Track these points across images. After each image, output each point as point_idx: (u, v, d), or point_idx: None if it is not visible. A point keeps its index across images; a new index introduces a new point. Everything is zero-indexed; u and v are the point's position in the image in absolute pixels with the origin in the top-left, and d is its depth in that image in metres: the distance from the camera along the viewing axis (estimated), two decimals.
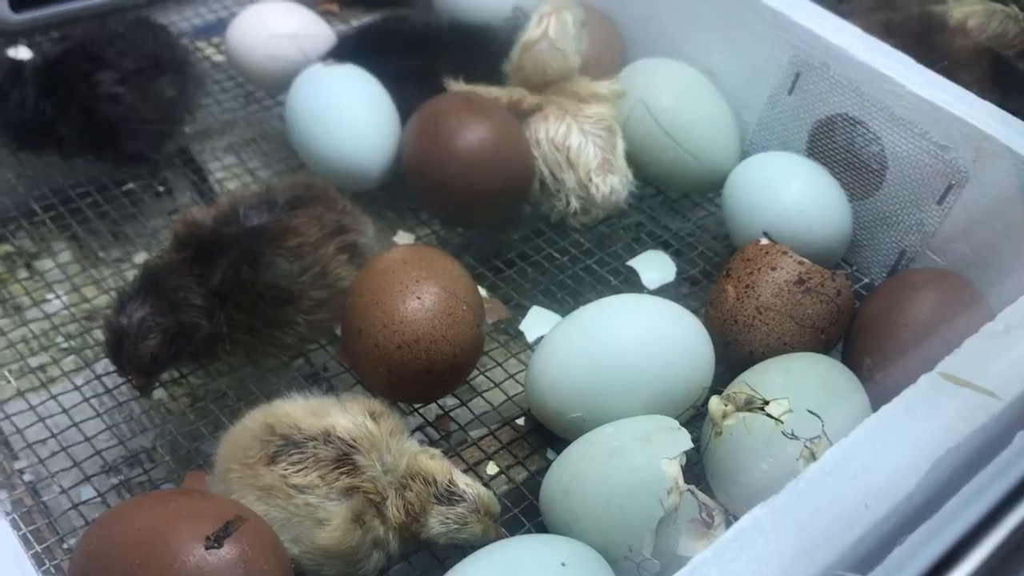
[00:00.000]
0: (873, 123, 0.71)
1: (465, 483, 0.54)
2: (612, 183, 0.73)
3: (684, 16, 0.81)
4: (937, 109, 0.67)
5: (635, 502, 0.51)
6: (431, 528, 0.53)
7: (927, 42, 0.76)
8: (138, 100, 0.75)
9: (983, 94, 0.68)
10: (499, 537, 0.54)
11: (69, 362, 0.68)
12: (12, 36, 0.86)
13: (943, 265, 0.69)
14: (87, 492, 0.60)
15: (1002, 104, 0.68)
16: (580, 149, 0.73)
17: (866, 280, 0.74)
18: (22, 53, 0.84)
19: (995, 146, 0.65)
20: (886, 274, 0.73)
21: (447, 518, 0.53)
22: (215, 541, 0.44)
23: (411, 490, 0.53)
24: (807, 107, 0.75)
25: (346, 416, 0.54)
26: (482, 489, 0.54)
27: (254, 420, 0.54)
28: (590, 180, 0.73)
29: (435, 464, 0.54)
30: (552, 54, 0.74)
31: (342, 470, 0.52)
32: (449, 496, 0.53)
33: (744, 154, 0.78)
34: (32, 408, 0.63)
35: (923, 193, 0.69)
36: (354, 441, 0.53)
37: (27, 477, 0.62)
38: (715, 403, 0.57)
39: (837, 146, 0.74)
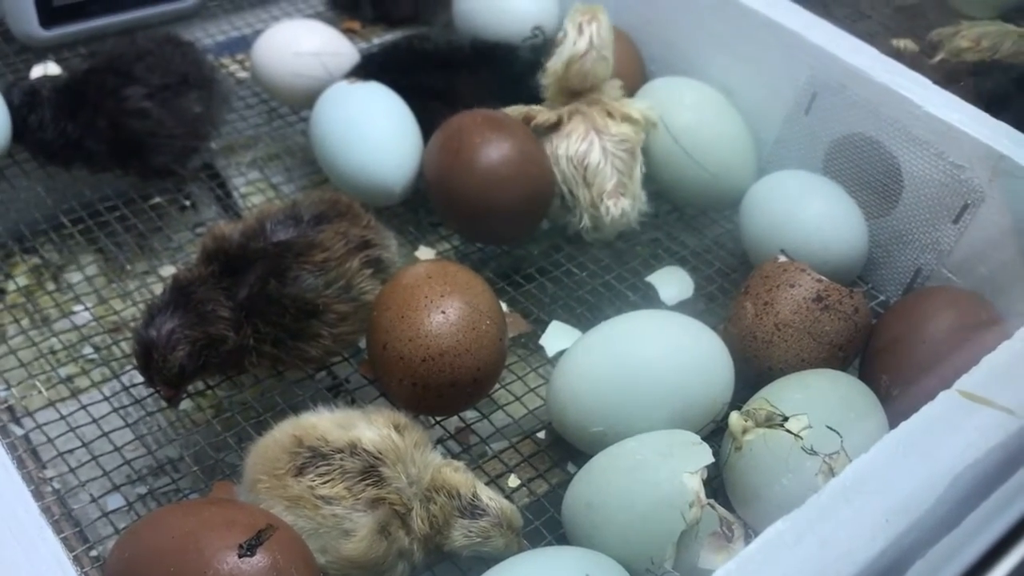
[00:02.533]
0: (889, 143, 0.72)
1: (488, 497, 0.54)
2: (623, 206, 0.73)
3: (703, 36, 0.82)
4: (953, 129, 0.68)
5: (657, 515, 0.52)
6: (454, 540, 0.54)
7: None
8: (165, 115, 0.76)
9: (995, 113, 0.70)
10: (521, 550, 0.55)
11: (97, 373, 0.69)
12: (41, 52, 0.87)
13: (959, 284, 0.70)
14: (115, 501, 0.61)
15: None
16: (598, 169, 0.73)
17: (882, 298, 0.75)
18: (51, 69, 0.86)
19: (1011, 166, 0.65)
20: (902, 292, 0.74)
21: (470, 531, 0.54)
22: (248, 549, 0.45)
23: (435, 503, 0.54)
24: (824, 126, 0.76)
25: (372, 428, 0.55)
26: (505, 503, 0.55)
27: (282, 432, 0.55)
28: (602, 201, 0.73)
29: (459, 477, 0.55)
30: (598, 62, 0.74)
31: (368, 482, 0.53)
32: (473, 510, 0.54)
33: (761, 172, 0.79)
34: (63, 418, 0.64)
35: (939, 212, 0.70)
36: (380, 453, 0.54)
37: (55, 486, 0.63)
38: (735, 419, 0.58)
39: (853, 165, 0.75)
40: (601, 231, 0.75)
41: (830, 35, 0.76)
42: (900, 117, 0.71)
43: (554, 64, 0.75)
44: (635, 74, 0.85)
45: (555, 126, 0.75)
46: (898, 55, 0.76)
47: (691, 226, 0.82)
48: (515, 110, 0.76)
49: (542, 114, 0.75)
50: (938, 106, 0.69)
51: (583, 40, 0.73)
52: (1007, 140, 0.67)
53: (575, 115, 0.75)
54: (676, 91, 0.80)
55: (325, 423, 0.55)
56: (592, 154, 0.73)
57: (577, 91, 0.75)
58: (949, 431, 0.49)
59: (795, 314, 0.64)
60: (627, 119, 0.75)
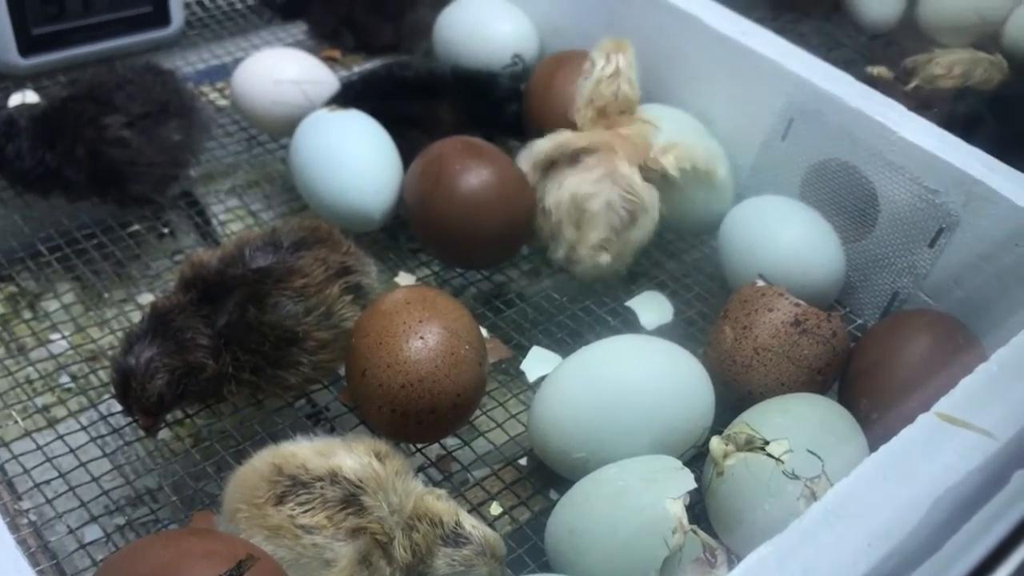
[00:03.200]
0: (865, 168, 0.73)
1: (471, 525, 0.54)
2: (600, 260, 0.72)
3: (680, 63, 0.83)
4: (928, 154, 0.69)
5: (640, 541, 0.52)
6: (437, 569, 0.53)
7: None
8: (145, 144, 0.76)
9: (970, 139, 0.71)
10: None
11: (74, 402, 0.68)
12: (20, 80, 0.87)
13: (936, 307, 0.71)
14: (93, 533, 0.60)
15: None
16: (592, 219, 0.72)
17: (860, 321, 0.75)
18: (29, 97, 0.86)
19: (985, 191, 0.66)
20: (879, 316, 0.74)
21: (453, 560, 0.53)
22: None
23: (418, 531, 0.53)
24: (801, 152, 0.77)
25: (352, 456, 0.54)
26: (488, 531, 0.55)
27: (262, 460, 0.55)
28: (583, 249, 0.72)
29: (442, 505, 0.54)
30: (626, 85, 0.75)
31: (349, 510, 0.52)
32: (456, 538, 0.53)
33: (739, 197, 0.79)
34: (39, 448, 0.63)
35: (915, 236, 0.71)
36: (361, 481, 0.53)
37: (31, 518, 0.62)
38: (716, 443, 0.58)
39: (830, 190, 0.76)
40: (572, 270, 0.75)
41: (806, 62, 0.76)
42: (875, 142, 0.71)
43: (583, 91, 0.76)
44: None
45: (584, 151, 0.74)
46: (873, 82, 0.77)
47: (670, 251, 0.83)
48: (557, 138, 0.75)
49: (577, 140, 0.74)
50: (913, 132, 0.70)
51: (610, 66, 0.75)
52: (980, 165, 0.67)
53: (604, 149, 0.73)
54: (655, 118, 0.80)
55: (305, 451, 0.55)
56: (595, 201, 0.72)
57: (609, 113, 0.75)
58: (929, 454, 0.49)
59: (774, 338, 0.64)
60: (651, 169, 0.74)
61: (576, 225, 0.72)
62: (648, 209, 0.73)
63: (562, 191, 0.73)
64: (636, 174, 0.73)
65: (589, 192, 0.72)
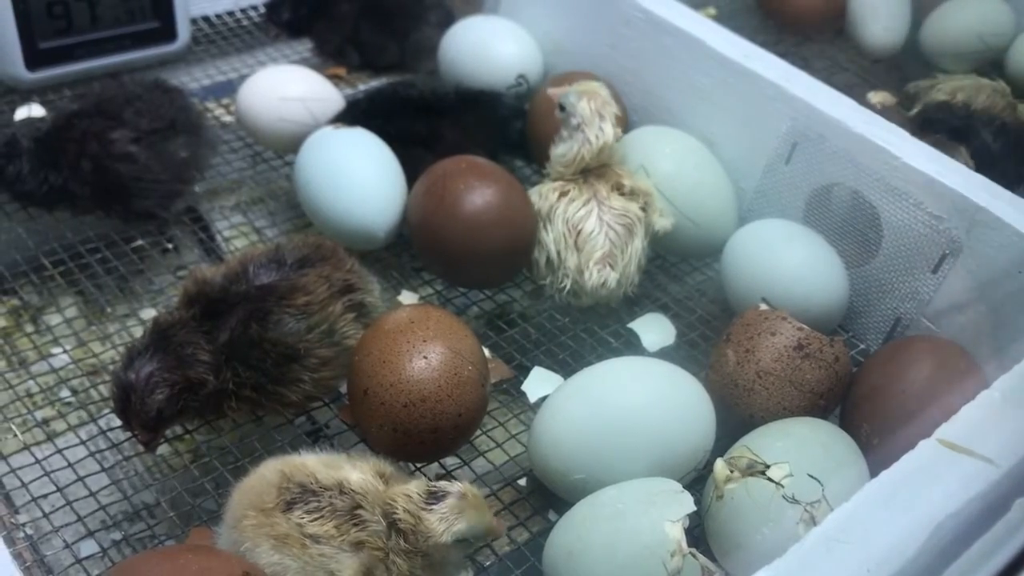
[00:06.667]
0: (869, 193, 0.73)
1: (442, 483, 0.53)
2: (608, 277, 0.72)
3: (685, 87, 0.83)
4: (931, 180, 0.69)
5: (639, 564, 0.52)
6: (436, 531, 0.51)
7: None
8: (151, 159, 0.76)
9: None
10: (499, 528, 0.54)
11: (74, 416, 0.68)
12: (26, 95, 0.88)
13: (938, 333, 0.71)
14: (89, 547, 0.60)
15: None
16: (590, 236, 0.72)
17: (862, 346, 0.75)
18: (35, 111, 0.86)
19: (988, 218, 0.66)
20: (882, 341, 0.74)
21: (443, 513, 0.52)
22: None
23: (397, 513, 0.52)
24: (804, 176, 0.77)
25: (356, 471, 0.54)
26: (458, 482, 0.54)
27: (269, 468, 0.55)
28: (588, 268, 0.72)
29: (408, 485, 0.53)
30: (613, 152, 0.75)
31: (355, 522, 0.52)
32: (433, 496, 0.52)
33: (742, 221, 0.79)
34: (38, 462, 0.63)
35: (918, 262, 0.71)
36: (366, 496, 0.53)
37: (28, 531, 0.62)
38: (720, 466, 0.58)
39: (833, 214, 0.76)
40: (580, 298, 0.74)
41: (809, 87, 0.77)
42: (878, 168, 0.71)
43: (573, 151, 0.74)
44: (617, 124, 0.85)
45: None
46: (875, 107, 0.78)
47: (673, 273, 0.83)
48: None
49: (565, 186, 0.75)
50: (916, 157, 0.70)
51: (608, 127, 0.74)
52: (984, 192, 0.68)
53: (582, 185, 0.74)
54: (658, 140, 0.80)
55: (313, 462, 0.55)
56: (588, 221, 0.72)
57: (591, 168, 0.75)
58: (930, 480, 0.49)
59: (776, 362, 0.64)
60: (632, 192, 0.74)
61: (576, 248, 0.73)
62: (640, 219, 0.74)
63: (555, 223, 0.73)
64: (614, 194, 0.74)
65: (580, 214, 0.73)
